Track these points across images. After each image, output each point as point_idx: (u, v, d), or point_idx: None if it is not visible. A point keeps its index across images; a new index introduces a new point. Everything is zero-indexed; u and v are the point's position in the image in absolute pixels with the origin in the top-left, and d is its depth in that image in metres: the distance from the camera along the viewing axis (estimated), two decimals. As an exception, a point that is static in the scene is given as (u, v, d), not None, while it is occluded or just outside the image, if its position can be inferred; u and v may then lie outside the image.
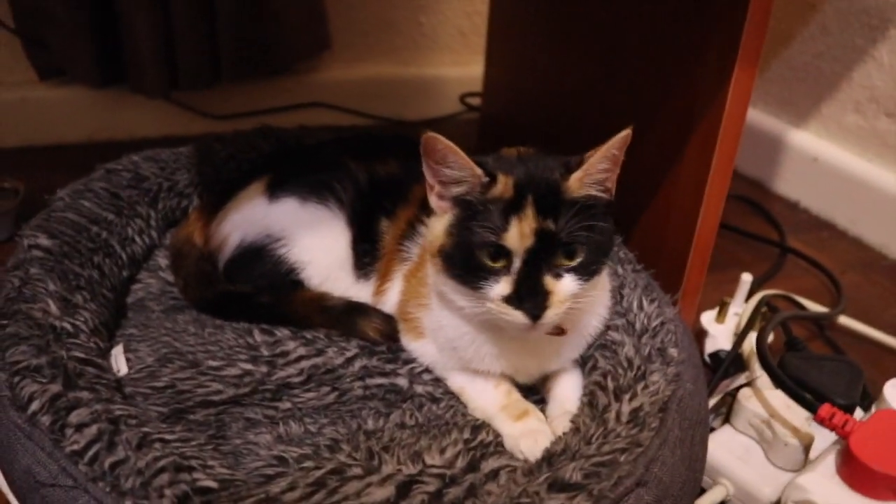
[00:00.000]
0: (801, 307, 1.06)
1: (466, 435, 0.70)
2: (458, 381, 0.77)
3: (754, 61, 0.79)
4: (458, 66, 1.69)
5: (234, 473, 0.59)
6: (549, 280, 0.63)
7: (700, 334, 0.97)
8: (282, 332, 0.82)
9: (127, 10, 1.32)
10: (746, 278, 0.97)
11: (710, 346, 0.94)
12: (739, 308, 0.98)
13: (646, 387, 0.66)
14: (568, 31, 1.14)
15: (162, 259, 0.96)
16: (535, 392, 0.77)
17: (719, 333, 0.94)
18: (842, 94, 1.38)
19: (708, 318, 0.97)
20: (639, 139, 0.96)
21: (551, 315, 0.63)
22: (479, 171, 0.64)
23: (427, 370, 0.79)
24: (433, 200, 0.68)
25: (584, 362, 0.76)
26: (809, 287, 1.18)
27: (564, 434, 0.64)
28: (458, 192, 0.66)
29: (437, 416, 0.74)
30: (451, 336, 0.73)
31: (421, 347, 0.78)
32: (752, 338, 0.89)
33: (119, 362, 0.77)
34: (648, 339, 0.73)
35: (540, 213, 0.63)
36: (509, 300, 0.63)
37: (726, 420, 0.80)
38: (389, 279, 0.83)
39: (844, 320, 1.05)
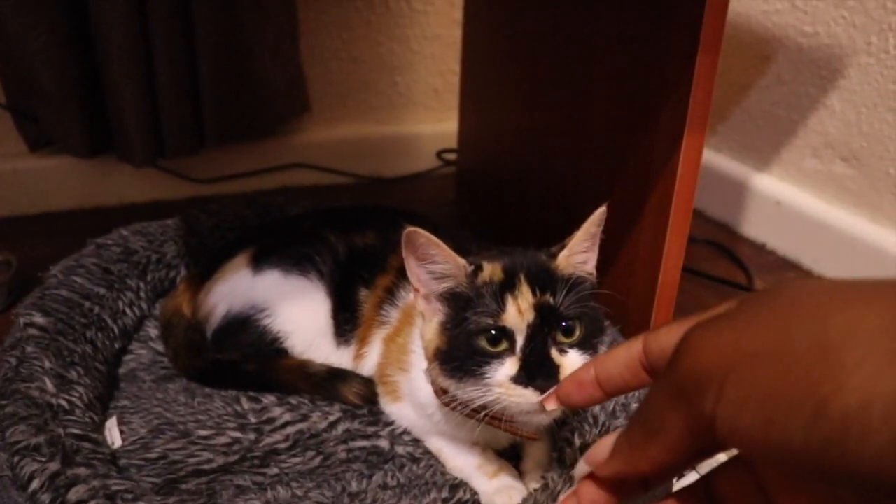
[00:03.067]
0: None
1: (445, 494, 0.74)
2: (435, 443, 0.81)
3: (701, 130, 0.85)
4: (434, 123, 1.76)
5: (226, 543, 0.63)
6: (556, 355, 0.63)
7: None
8: (268, 399, 0.86)
9: (114, 82, 1.37)
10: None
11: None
12: (705, 355, 1.02)
13: (609, 443, 0.70)
14: (535, 87, 1.20)
15: (152, 329, 1.00)
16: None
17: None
18: (799, 140, 1.45)
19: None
20: (601, 200, 1.01)
21: None
22: (461, 261, 0.66)
23: (407, 431, 0.83)
24: (421, 304, 0.69)
25: (554, 419, 0.80)
26: (775, 328, 1.23)
27: (534, 491, 0.68)
28: (446, 287, 0.67)
29: (417, 476, 0.78)
30: (427, 403, 0.77)
31: (399, 410, 0.82)
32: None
33: (113, 435, 0.81)
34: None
35: (537, 289, 0.64)
36: (517, 380, 0.62)
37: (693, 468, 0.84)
38: (368, 344, 0.87)
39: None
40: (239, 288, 0.91)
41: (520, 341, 0.63)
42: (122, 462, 0.77)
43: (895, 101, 1.25)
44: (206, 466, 0.77)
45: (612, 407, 0.75)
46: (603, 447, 0.44)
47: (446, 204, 1.60)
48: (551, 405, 0.52)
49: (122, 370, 0.94)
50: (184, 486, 0.75)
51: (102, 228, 1.47)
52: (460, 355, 0.64)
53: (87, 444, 0.72)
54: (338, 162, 1.66)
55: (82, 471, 0.67)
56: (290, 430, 0.82)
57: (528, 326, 0.63)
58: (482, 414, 0.66)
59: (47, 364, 0.80)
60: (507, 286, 0.64)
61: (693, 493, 0.42)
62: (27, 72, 1.35)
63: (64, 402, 0.77)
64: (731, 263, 1.45)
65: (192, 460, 0.77)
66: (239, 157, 1.59)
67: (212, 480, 0.76)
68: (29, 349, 0.82)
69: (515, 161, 1.31)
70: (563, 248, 0.68)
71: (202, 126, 1.48)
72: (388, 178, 1.71)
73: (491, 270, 0.66)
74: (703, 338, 0.34)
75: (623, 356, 0.44)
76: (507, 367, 0.63)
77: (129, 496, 0.64)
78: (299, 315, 0.89)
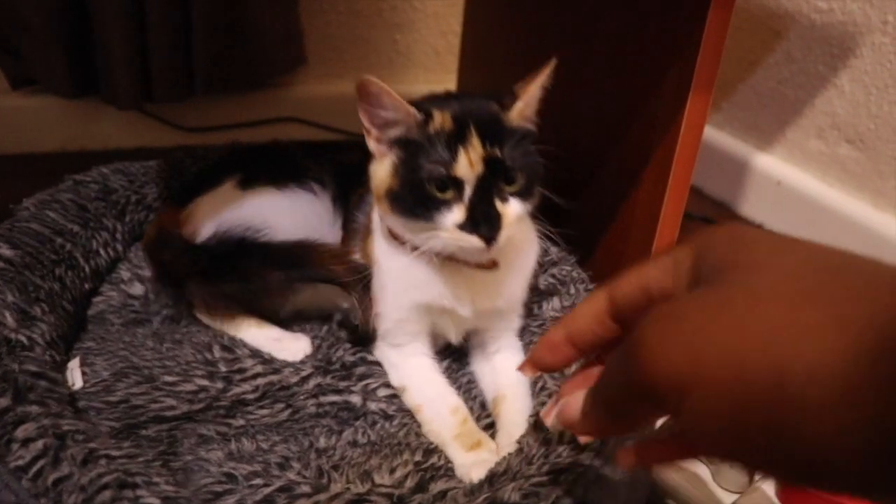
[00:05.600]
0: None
1: (418, 457, 0.71)
2: (415, 398, 0.77)
3: (708, 92, 0.81)
4: (432, 84, 1.71)
5: (180, 491, 0.60)
6: (499, 204, 0.67)
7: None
8: (242, 350, 0.82)
9: (101, 21, 1.32)
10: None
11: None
12: (695, 330, 0.99)
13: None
14: (536, 54, 1.16)
15: (125, 272, 0.97)
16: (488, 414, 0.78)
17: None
18: (805, 119, 1.41)
19: (664, 340, 0.98)
20: (601, 161, 0.98)
21: (504, 236, 0.67)
22: (412, 110, 0.67)
23: (382, 386, 0.80)
24: (371, 144, 0.71)
25: (534, 382, 0.77)
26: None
27: (508, 455, 0.65)
28: (396, 134, 0.69)
29: (389, 435, 0.75)
30: (397, 270, 0.76)
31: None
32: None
33: (75, 376, 0.78)
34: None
35: (486, 142, 0.67)
36: (463, 227, 0.67)
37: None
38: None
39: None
40: (225, 197, 0.87)
41: (468, 191, 0.67)
42: (82, 404, 0.74)
43: (907, 83, 1.21)
44: (168, 413, 0.74)
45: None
46: (574, 405, 0.44)
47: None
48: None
49: (90, 311, 0.91)
50: (143, 432, 0.72)
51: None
52: (411, 199, 0.68)
53: (43, 382, 0.69)
54: (331, 118, 1.61)
55: (34, 409, 0.64)
56: (260, 381, 0.78)
57: (477, 178, 0.67)
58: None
59: (9, 297, 0.77)
60: (458, 137, 0.67)
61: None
62: (10, 4, 1.30)
63: (23, 338, 0.73)
64: (727, 243, 1.41)
65: (154, 406, 0.74)
66: (230, 107, 1.55)
67: (173, 428, 0.73)
68: (-9, 281, 0.78)
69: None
70: (516, 99, 0.71)
71: (192, 72, 1.43)
72: (382, 138, 1.66)
73: (441, 119, 0.68)
74: (660, 344, 0.34)
75: (590, 311, 0.45)
76: (455, 215, 0.67)
77: (81, 437, 0.61)
78: (299, 224, 0.85)
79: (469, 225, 0.66)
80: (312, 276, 0.82)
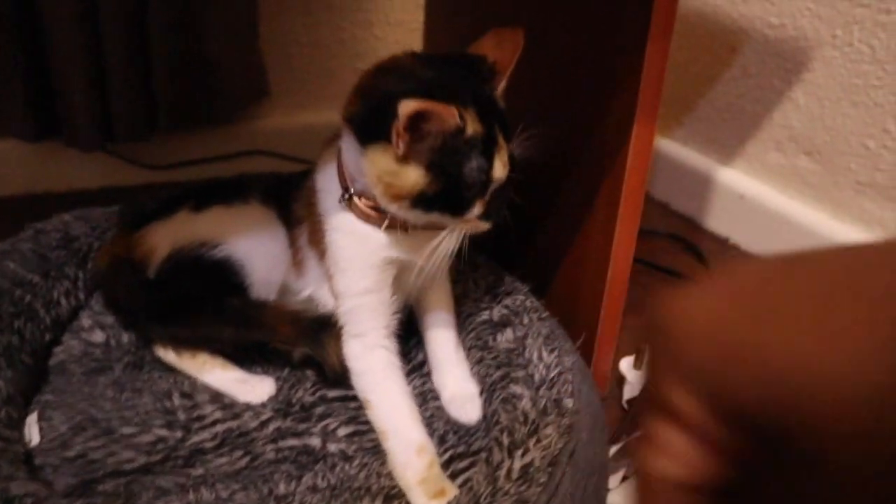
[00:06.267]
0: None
1: (378, 503, 0.71)
2: (380, 422, 0.76)
3: (652, 120, 0.83)
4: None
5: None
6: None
7: (621, 380, 0.99)
8: (202, 396, 0.83)
9: (60, 63, 1.33)
10: (662, 323, 1.00)
11: (628, 393, 0.96)
12: (657, 352, 1.00)
13: (538, 441, 0.68)
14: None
15: (86, 320, 0.96)
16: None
17: (636, 379, 0.96)
18: (763, 133, 1.42)
19: (626, 365, 0.99)
20: (554, 188, 0.99)
21: None
22: (456, 119, 0.67)
23: (342, 425, 0.80)
24: (403, 149, 0.68)
25: (490, 416, 0.77)
26: (733, 325, 1.21)
27: (458, 495, 0.65)
28: (433, 144, 0.68)
29: (350, 478, 0.75)
30: (360, 239, 0.77)
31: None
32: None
33: (32, 432, 0.77)
34: (546, 390, 0.75)
35: (507, 142, 0.72)
36: (480, 216, 0.72)
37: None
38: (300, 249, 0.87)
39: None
40: (182, 226, 0.88)
41: (492, 187, 0.72)
42: (38, 461, 0.74)
43: (858, 96, 1.23)
44: (126, 466, 0.74)
45: (543, 404, 0.73)
46: None
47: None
48: None
49: (51, 362, 0.90)
50: (100, 488, 0.71)
51: (51, 214, 1.43)
52: (443, 200, 0.70)
53: (-3, 443, 0.69)
54: (297, 149, 1.61)
55: (-14, 471, 0.64)
56: (218, 427, 0.79)
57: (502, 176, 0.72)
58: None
59: (-36, 356, 0.77)
60: (489, 142, 0.70)
61: None
62: (-31, 51, 1.30)
63: (-22, 398, 0.73)
64: (692, 258, 1.43)
65: (111, 459, 0.74)
66: (195, 143, 1.55)
67: (131, 481, 0.73)
68: (-54, 339, 0.78)
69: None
70: (496, 75, 0.74)
71: (154, 110, 1.44)
72: (348, 167, 1.67)
73: (472, 124, 0.69)
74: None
75: None
76: (477, 209, 0.72)
77: (30, 500, 0.61)
78: (252, 243, 0.86)
79: (485, 215, 0.72)
80: (263, 337, 0.85)
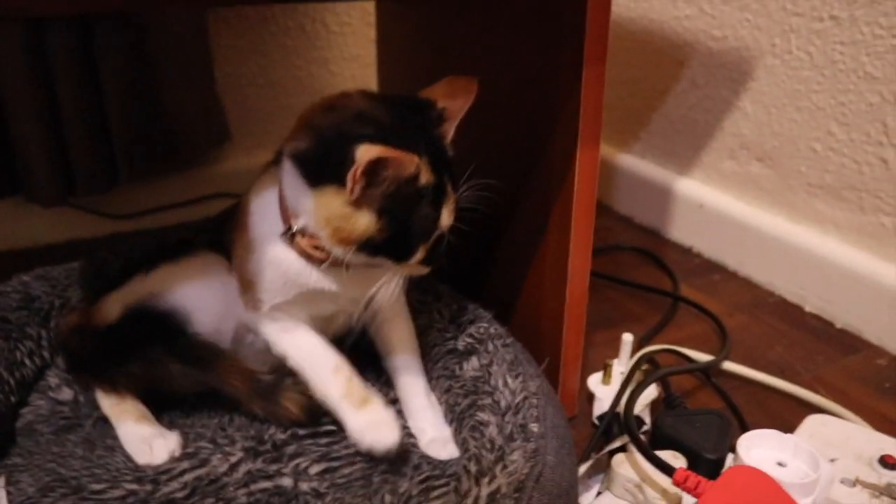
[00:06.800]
0: (687, 358, 1.11)
1: (349, 537, 0.71)
2: (296, 363, 0.80)
3: (595, 144, 0.85)
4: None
5: None
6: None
7: (590, 397, 1.00)
8: (169, 446, 0.83)
9: (16, 121, 1.33)
10: (627, 338, 1.01)
11: (598, 409, 0.97)
12: (625, 368, 1.01)
13: (504, 467, 0.69)
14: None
15: (52, 378, 0.96)
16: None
17: (605, 395, 0.97)
18: (717, 142, 1.46)
19: (595, 381, 1.00)
20: (509, 215, 1.01)
21: None
22: (415, 168, 0.67)
23: (313, 463, 0.80)
24: (357, 194, 0.67)
25: (461, 444, 0.78)
26: (699, 333, 1.23)
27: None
28: (385, 190, 0.68)
29: (321, 515, 0.75)
30: (286, 266, 0.77)
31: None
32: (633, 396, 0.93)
33: None
34: (511, 416, 0.76)
35: (454, 191, 0.73)
36: (422, 262, 0.74)
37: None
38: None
39: (728, 365, 1.10)
40: (132, 286, 0.88)
41: (436, 234, 0.73)
42: (8, 525, 0.73)
43: (802, 101, 1.26)
44: (97, 523, 0.74)
45: (509, 429, 0.74)
46: None
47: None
48: None
49: (18, 424, 0.90)
50: (72, 547, 0.71)
51: (15, 271, 1.42)
52: (390, 245, 0.71)
53: (-36, 511, 0.68)
54: (261, 189, 1.63)
55: (-48, 542, 0.63)
56: (187, 476, 0.78)
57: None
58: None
59: (-72, 426, 0.76)
60: (439, 191, 0.71)
61: None
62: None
63: (-57, 467, 0.73)
64: (658, 269, 1.45)
65: (82, 517, 0.74)
66: (159, 191, 1.56)
67: (102, 538, 0.72)
68: None
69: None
70: (449, 127, 0.76)
71: (114, 162, 1.44)
72: (314, 203, 1.68)
73: (426, 173, 0.69)
74: None
75: None
76: (420, 254, 0.73)
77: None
78: (198, 292, 0.86)
79: (426, 259, 0.74)
80: (212, 382, 0.84)
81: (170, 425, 0.86)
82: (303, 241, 0.75)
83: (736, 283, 1.40)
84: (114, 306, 0.89)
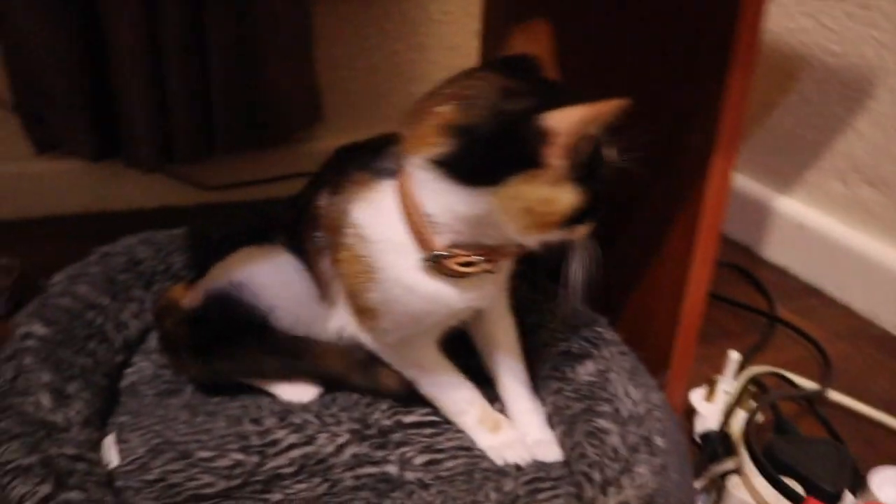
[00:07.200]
0: (791, 383, 1.07)
1: (456, 529, 0.70)
2: (428, 391, 0.81)
3: (731, 155, 0.82)
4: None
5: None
6: None
7: (690, 413, 0.97)
8: (269, 421, 0.82)
9: (123, 87, 1.35)
10: (734, 356, 0.98)
11: (700, 427, 0.94)
12: (729, 386, 0.98)
13: (632, 479, 0.67)
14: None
15: (155, 342, 0.97)
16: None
17: (709, 413, 0.94)
18: (825, 162, 1.41)
19: (697, 397, 0.97)
20: (626, 217, 0.98)
21: None
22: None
23: (419, 454, 0.79)
24: (564, 169, 0.62)
25: (572, 448, 0.76)
26: (798, 357, 1.19)
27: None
28: (586, 152, 0.63)
29: (427, 505, 0.74)
30: (412, 284, 0.70)
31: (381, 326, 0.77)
32: (739, 418, 0.90)
33: (111, 454, 0.77)
34: (635, 427, 0.73)
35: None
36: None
37: (716, 504, 0.80)
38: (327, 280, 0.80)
39: (834, 395, 1.06)
40: (216, 270, 0.87)
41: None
42: (119, 484, 0.74)
43: (927, 126, 1.21)
44: (206, 490, 0.73)
45: (633, 440, 0.71)
46: None
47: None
48: None
49: (123, 383, 0.91)
50: (182, 512, 0.71)
51: (108, 233, 1.44)
52: (588, 210, 0.66)
53: (81, 465, 0.69)
54: (350, 172, 1.63)
55: (75, 494, 0.63)
56: (295, 453, 0.78)
57: None
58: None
59: (45, 378, 0.77)
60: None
61: None
62: (36, 72, 1.32)
63: (60, 419, 0.73)
64: (752, 288, 1.40)
65: (191, 483, 0.74)
66: (249, 165, 1.56)
67: (212, 506, 0.72)
68: (27, 360, 0.78)
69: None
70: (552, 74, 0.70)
71: (212, 132, 1.45)
72: (400, 190, 1.67)
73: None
74: None
75: None
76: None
77: (123, 525, 0.60)
78: (278, 281, 0.84)
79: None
80: (309, 369, 0.85)
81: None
82: (451, 262, 0.68)
83: (835, 309, 1.35)
84: (199, 289, 0.88)
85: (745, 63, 0.79)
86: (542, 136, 0.58)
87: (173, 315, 0.89)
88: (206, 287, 0.87)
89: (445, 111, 0.65)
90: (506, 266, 0.77)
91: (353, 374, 0.86)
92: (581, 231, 0.68)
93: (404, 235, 0.69)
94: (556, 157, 0.59)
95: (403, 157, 0.68)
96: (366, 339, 0.81)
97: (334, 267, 0.77)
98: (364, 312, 0.76)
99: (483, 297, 0.75)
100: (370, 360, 0.84)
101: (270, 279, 0.85)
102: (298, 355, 0.85)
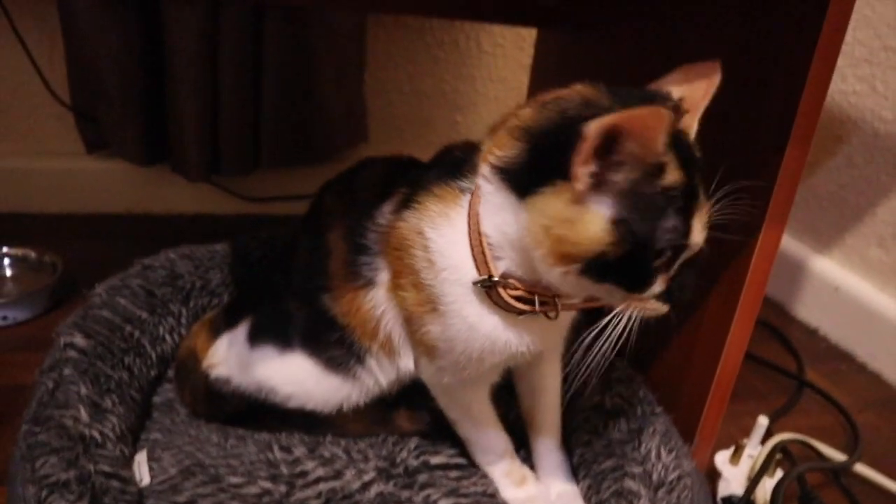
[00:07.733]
0: (817, 452, 1.06)
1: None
2: (467, 434, 0.83)
3: (782, 224, 0.82)
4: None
5: None
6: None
7: (713, 474, 0.97)
8: (299, 451, 0.84)
9: (177, 95, 1.37)
10: (763, 421, 0.97)
11: (724, 490, 0.94)
12: (755, 450, 0.98)
13: (660, 549, 0.67)
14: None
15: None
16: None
17: (733, 476, 0.94)
18: (865, 226, 1.40)
19: (722, 459, 0.97)
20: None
21: None
22: (664, 120, 0.51)
23: (443, 497, 0.80)
24: (586, 182, 0.54)
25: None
26: (825, 425, 1.18)
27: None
28: (623, 179, 0.53)
29: (449, 551, 0.75)
30: (485, 324, 0.65)
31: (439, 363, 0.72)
32: (764, 485, 0.90)
33: (142, 471, 0.79)
34: (665, 493, 0.74)
35: (707, 198, 0.57)
36: (660, 298, 0.59)
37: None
38: (378, 315, 0.74)
39: (861, 468, 1.05)
40: (241, 359, 0.86)
41: (682, 256, 0.57)
42: (150, 502, 0.75)
43: (975, 203, 1.20)
44: (233, 518, 0.75)
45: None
46: None
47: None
48: None
49: (157, 399, 0.92)
50: (209, 539, 0.72)
51: (148, 235, 1.47)
52: (625, 267, 0.55)
53: (115, 483, 0.70)
54: (388, 194, 1.64)
55: (109, 514, 0.65)
56: (322, 486, 0.79)
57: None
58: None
59: (83, 390, 0.78)
60: (689, 196, 0.55)
61: None
62: (94, 72, 1.35)
63: (96, 434, 0.74)
64: (781, 347, 1.39)
65: (220, 510, 0.75)
66: (291, 180, 1.58)
67: (238, 534, 0.73)
68: (67, 372, 0.80)
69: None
70: (690, 121, 0.60)
71: (259, 146, 1.47)
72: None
73: (674, 172, 0.54)
74: None
75: None
76: (658, 285, 0.58)
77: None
78: (300, 390, 0.84)
79: (665, 296, 0.59)
80: (334, 432, 0.87)
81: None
82: (505, 293, 0.62)
83: (864, 376, 1.34)
84: (221, 367, 0.87)
85: (803, 137, 0.79)
86: (575, 142, 0.52)
87: (194, 374, 0.89)
88: (234, 377, 0.86)
89: (525, 113, 0.61)
90: (569, 315, 0.73)
91: (374, 429, 0.89)
92: (645, 302, 0.59)
93: (469, 260, 0.63)
94: (578, 164, 0.52)
95: (479, 169, 0.63)
96: (422, 374, 0.77)
97: (390, 295, 0.71)
98: (422, 348, 0.71)
99: (542, 341, 0.69)
100: (387, 411, 0.87)
101: (295, 387, 0.84)
102: (318, 425, 0.87)
